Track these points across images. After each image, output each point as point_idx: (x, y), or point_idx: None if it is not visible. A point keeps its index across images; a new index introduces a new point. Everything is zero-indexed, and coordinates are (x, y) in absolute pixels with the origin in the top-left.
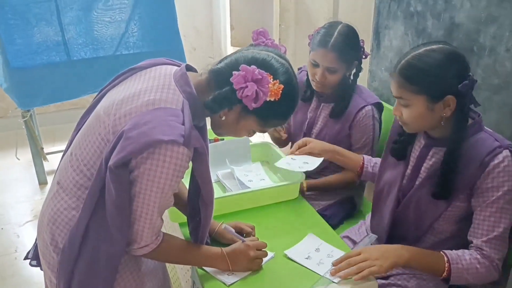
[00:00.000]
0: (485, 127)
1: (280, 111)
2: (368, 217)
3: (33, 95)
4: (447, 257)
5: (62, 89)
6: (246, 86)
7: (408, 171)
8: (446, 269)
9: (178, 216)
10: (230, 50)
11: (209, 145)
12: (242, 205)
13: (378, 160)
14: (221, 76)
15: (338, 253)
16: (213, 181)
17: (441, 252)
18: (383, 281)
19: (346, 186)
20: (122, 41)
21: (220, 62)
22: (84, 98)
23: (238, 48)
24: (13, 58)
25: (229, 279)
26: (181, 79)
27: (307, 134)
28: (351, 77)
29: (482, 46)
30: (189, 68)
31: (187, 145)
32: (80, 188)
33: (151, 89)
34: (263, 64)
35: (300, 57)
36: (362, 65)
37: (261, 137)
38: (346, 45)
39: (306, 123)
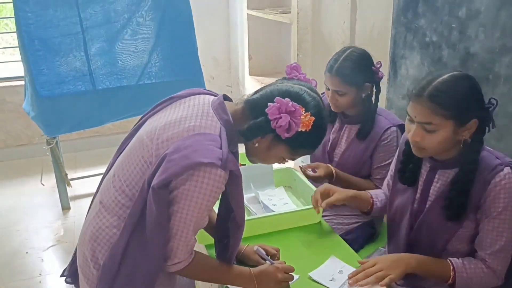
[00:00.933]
0: (486, 146)
1: (310, 141)
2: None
3: (59, 123)
4: (453, 265)
5: (87, 117)
6: (280, 117)
7: (418, 195)
8: (451, 277)
9: (204, 238)
10: (248, 79)
11: None
12: (266, 228)
13: (381, 192)
14: (256, 106)
15: None
16: None
17: (447, 260)
18: None
19: None
20: (145, 71)
21: (255, 93)
22: (105, 126)
23: (255, 77)
24: (41, 87)
25: None
26: (219, 107)
27: (330, 154)
28: (372, 98)
29: (498, 75)
30: (225, 98)
31: (224, 168)
32: (122, 208)
33: (191, 116)
34: (296, 97)
35: (318, 83)
36: (380, 87)
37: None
38: (351, 69)
39: (329, 144)
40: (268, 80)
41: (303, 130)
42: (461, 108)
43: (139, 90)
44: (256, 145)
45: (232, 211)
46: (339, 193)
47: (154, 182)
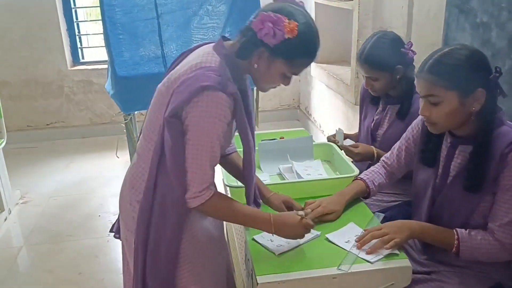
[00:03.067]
0: (507, 121)
1: (302, 48)
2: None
3: (134, 101)
4: (458, 235)
5: None
6: (264, 27)
7: (440, 171)
8: (455, 245)
9: (238, 198)
10: (313, 67)
11: (274, 142)
12: (296, 194)
13: (376, 172)
14: (245, 29)
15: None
16: (275, 173)
17: (454, 230)
18: (426, 276)
19: None
20: None
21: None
22: None
23: (320, 65)
24: (120, 68)
25: (277, 249)
26: (218, 45)
27: (373, 135)
28: (410, 77)
29: None
30: (226, 39)
31: (224, 90)
32: (149, 152)
33: (195, 58)
34: (278, 10)
35: None
36: (414, 66)
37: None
38: (378, 55)
39: (373, 124)
40: (332, 68)
41: (290, 36)
42: (460, 78)
43: None
44: (256, 66)
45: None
46: (337, 213)
47: (166, 113)
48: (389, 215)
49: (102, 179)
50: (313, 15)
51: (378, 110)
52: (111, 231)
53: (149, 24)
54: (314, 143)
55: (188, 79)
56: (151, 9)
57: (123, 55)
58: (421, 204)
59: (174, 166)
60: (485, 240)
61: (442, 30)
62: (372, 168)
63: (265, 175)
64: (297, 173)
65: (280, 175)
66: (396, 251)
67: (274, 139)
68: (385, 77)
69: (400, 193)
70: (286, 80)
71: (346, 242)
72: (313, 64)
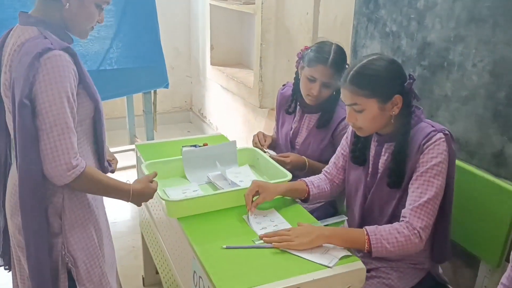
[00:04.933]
0: (425, 119)
1: None
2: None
3: None
4: (366, 230)
5: None
6: None
7: (370, 169)
8: (366, 241)
9: (177, 211)
10: (209, 69)
11: (198, 149)
12: (234, 202)
13: (316, 177)
14: None
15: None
16: (204, 182)
17: (363, 228)
18: (366, 274)
19: None
20: (106, 56)
21: None
22: None
23: (217, 67)
24: None
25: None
26: (22, 19)
27: (292, 143)
28: (335, 92)
29: (452, 62)
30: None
31: (59, 48)
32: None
33: (12, 45)
34: None
35: (279, 73)
36: None
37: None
38: (341, 63)
39: (291, 133)
40: (230, 70)
41: None
42: (378, 86)
43: (100, 76)
44: (68, 5)
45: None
46: (267, 193)
47: (16, 100)
48: (315, 216)
49: None
50: (207, 17)
51: (295, 119)
52: None
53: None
54: (237, 148)
55: (19, 61)
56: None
57: None
58: (354, 202)
59: (32, 145)
60: (393, 229)
61: (351, 37)
62: (312, 176)
63: (194, 185)
64: (231, 181)
65: (210, 183)
66: (348, 252)
67: (195, 145)
68: (335, 86)
69: None
70: (101, 13)
71: (262, 229)
72: (208, 66)
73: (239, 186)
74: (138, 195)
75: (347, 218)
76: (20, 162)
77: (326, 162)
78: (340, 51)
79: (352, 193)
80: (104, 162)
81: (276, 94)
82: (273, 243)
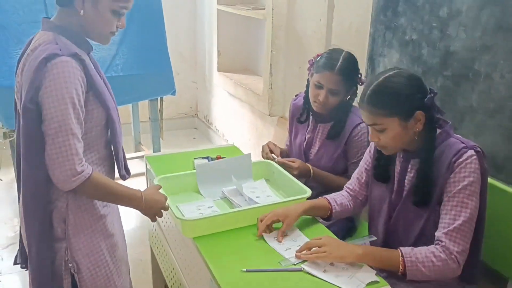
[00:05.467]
0: (454, 134)
1: None
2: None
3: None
4: (401, 251)
5: None
6: None
7: (395, 186)
8: (401, 263)
9: (192, 230)
10: (216, 75)
11: (212, 163)
12: (252, 220)
13: (338, 194)
14: None
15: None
16: (219, 198)
17: (398, 249)
18: None
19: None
20: (113, 63)
21: None
22: None
23: (224, 73)
24: (2, 77)
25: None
26: (44, 24)
27: (306, 154)
28: (348, 101)
29: (478, 73)
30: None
31: (67, 54)
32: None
33: (31, 50)
34: None
35: (290, 81)
36: (357, 91)
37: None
38: (349, 70)
39: (304, 144)
40: (237, 77)
41: None
42: (398, 104)
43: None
44: (82, 12)
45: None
46: (290, 219)
47: (22, 102)
48: (331, 231)
49: None
50: (214, 22)
51: (308, 129)
52: (15, 263)
53: (38, 26)
54: (252, 161)
55: (29, 65)
56: (39, 10)
57: (5, 62)
58: (377, 220)
59: (37, 151)
60: (430, 253)
61: (367, 46)
62: (334, 193)
63: (208, 201)
64: (248, 197)
65: (225, 199)
66: (376, 278)
67: (208, 157)
68: (343, 93)
69: None
70: (119, 18)
71: (287, 250)
72: (215, 72)
73: (257, 203)
74: (151, 200)
75: (376, 238)
76: (24, 166)
77: (340, 173)
78: (350, 58)
79: (376, 210)
80: (122, 170)
81: (286, 102)
82: (305, 255)
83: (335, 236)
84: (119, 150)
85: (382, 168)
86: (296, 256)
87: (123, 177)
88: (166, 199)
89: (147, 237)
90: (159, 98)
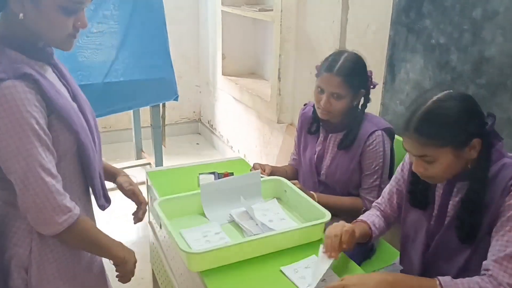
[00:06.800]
0: (508, 153)
1: None
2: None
3: None
4: (439, 281)
5: None
6: None
7: (435, 211)
8: None
9: (199, 264)
10: (220, 79)
11: (219, 181)
12: (266, 249)
13: (374, 215)
14: None
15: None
16: (226, 221)
17: (436, 278)
18: None
19: (354, 214)
20: (112, 68)
21: None
22: None
23: (229, 78)
24: None
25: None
26: None
27: (318, 168)
28: (359, 107)
29: None
30: None
31: (14, 77)
32: None
33: None
34: None
35: (300, 86)
36: (371, 97)
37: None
38: (352, 71)
39: (315, 157)
40: (243, 81)
41: None
42: (452, 133)
43: (106, 89)
44: (21, 15)
45: None
46: (350, 239)
47: None
48: (348, 255)
49: None
50: (219, 24)
51: (319, 140)
52: None
53: None
54: (262, 178)
55: None
56: None
57: None
58: (412, 248)
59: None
60: (475, 283)
61: (386, 50)
62: (367, 212)
63: (215, 225)
64: (260, 222)
65: (233, 222)
66: None
67: (214, 172)
68: (349, 97)
69: None
70: (76, 17)
71: (301, 278)
72: (219, 76)
73: (270, 228)
74: (128, 252)
75: (402, 268)
76: None
77: (356, 186)
78: (353, 58)
79: (410, 237)
80: (100, 199)
81: (295, 108)
82: None
83: (363, 271)
84: (94, 179)
85: (420, 194)
86: None
87: (101, 207)
88: (134, 254)
89: (147, 251)
90: (161, 104)
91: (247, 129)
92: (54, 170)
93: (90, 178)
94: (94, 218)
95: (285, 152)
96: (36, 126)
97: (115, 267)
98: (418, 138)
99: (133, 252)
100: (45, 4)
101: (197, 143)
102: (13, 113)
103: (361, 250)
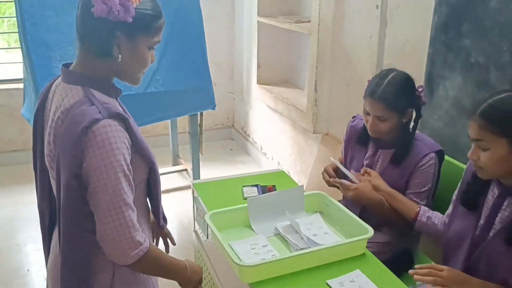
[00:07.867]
0: None
1: (152, 10)
2: None
3: None
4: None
5: None
6: (111, 6)
7: (481, 221)
8: None
9: (250, 275)
10: (255, 88)
11: (265, 195)
12: (313, 262)
13: (436, 214)
14: (84, 29)
15: None
16: (272, 234)
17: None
18: None
19: (400, 227)
20: (153, 78)
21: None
22: None
23: (264, 87)
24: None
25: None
26: (65, 76)
27: None
28: (412, 123)
29: None
30: (68, 65)
31: (108, 117)
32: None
33: (58, 103)
34: None
35: (336, 98)
36: (421, 113)
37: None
38: (395, 94)
39: (362, 170)
40: (277, 90)
41: (137, 2)
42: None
43: (147, 99)
44: (120, 58)
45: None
46: (377, 180)
47: (63, 179)
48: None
49: (22, 220)
50: (255, 34)
51: (367, 154)
52: None
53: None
54: (305, 193)
55: (64, 133)
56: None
57: (49, 80)
58: (455, 256)
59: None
60: None
61: (425, 67)
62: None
63: (262, 238)
64: (306, 236)
65: (279, 235)
66: None
67: (257, 185)
68: (395, 118)
69: (395, 242)
70: (151, 54)
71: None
72: (254, 85)
73: (316, 242)
74: (193, 272)
75: None
76: (63, 245)
77: None
78: (397, 81)
79: (453, 245)
80: (160, 221)
81: (331, 119)
82: (421, 279)
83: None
84: (158, 202)
85: (472, 194)
86: (415, 279)
87: (162, 227)
88: (201, 269)
89: (187, 253)
90: (199, 113)
91: (282, 137)
92: (132, 204)
93: (155, 202)
94: (151, 234)
95: (321, 161)
96: (123, 163)
97: (180, 286)
98: (480, 122)
99: (200, 268)
100: (140, 45)
101: (231, 149)
102: (106, 152)
103: (398, 260)
